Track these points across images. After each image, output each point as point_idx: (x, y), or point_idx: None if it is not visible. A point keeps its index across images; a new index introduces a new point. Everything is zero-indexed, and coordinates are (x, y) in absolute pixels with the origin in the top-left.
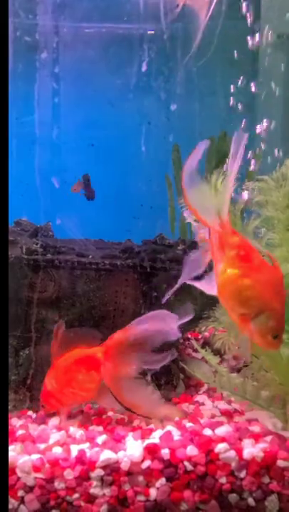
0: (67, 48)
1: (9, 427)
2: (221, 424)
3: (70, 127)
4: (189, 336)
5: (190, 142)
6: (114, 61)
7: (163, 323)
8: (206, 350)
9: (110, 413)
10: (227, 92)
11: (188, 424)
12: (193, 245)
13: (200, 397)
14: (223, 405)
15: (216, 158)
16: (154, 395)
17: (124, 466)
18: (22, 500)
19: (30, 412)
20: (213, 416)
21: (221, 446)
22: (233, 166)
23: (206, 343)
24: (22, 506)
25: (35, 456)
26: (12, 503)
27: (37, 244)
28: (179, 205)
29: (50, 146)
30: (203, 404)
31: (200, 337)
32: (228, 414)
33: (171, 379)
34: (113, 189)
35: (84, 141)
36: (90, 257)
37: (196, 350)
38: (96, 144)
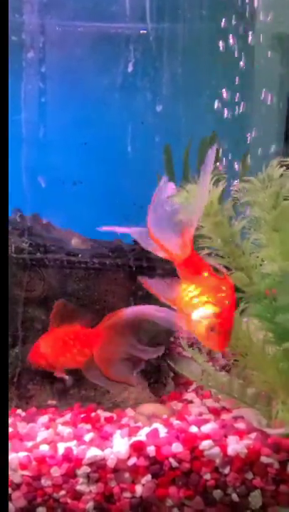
0: (56, 46)
1: None
2: (207, 421)
3: (61, 126)
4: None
5: (182, 142)
6: (104, 60)
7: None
8: (193, 349)
9: (99, 411)
10: (220, 93)
11: (176, 422)
12: None
13: (189, 395)
14: (211, 403)
15: None
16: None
17: (111, 463)
18: (9, 498)
19: (19, 411)
20: (200, 414)
21: (205, 443)
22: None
23: (195, 342)
24: (9, 504)
25: (22, 454)
26: None
27: (26, 243)
28: None
29: (41, 144)
30: (191, 402)
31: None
32: (216, 412)
33: (161, 377)
34: (104, 188)
35: (76, 139)
36: (80, 256)
37: (185, 348)
38: (88, 143)
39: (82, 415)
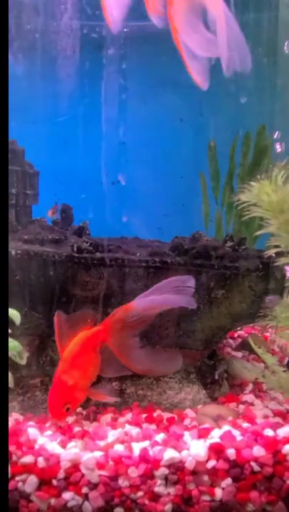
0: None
1: (63, 424)
2: (281, 424)
3: (101, 126)
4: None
5: (226, 138)
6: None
7: (177, 292)
8: (262, 349)
9: (158, 411)
10: (262, 84)
11: (245, 425)
12: (242, 241)
13: (247, 397)
14: (273, 405)
15: (253, 154)
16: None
17: (189, 465)
18: (86, 497)
19: (79, 409)
20: (266, 416)
21: (288, 447)
22: None
23: (243, 343)
24: (86, 503)
25: (98, 454)
26: (76, 499)
27: (87, 242)
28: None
29: (84, 145)
30: (252, 404)
31: (236, 336)
32: (282, 415)
33: (217, 378)
34: (144, 186)
35: (117, 139)
36: (138, 254)
37: (235, 349)
38: (128, 142)
39: (144, 415)
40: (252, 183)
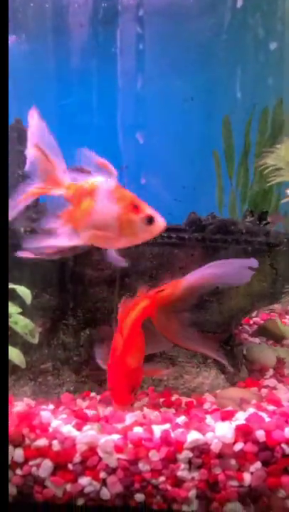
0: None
1: (76, 408)
2: None
3: (107, 112)
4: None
5: (242, 114)
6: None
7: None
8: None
9: (175, 395)
10: (283, 57)
11: (271, 407)
12: (263, 216)
13: (269, 382)
14: None
15: (271, 128)
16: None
17: (215, 447)
18: (104, 483)
19: (93, 394)
20: None
21: None
22: None
23: (261, 328)
24: (104, 489)
25: (116, 436)
26: (94, 485)
27: None
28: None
29: (90, 128)
30: (274, 388)
31: (251, 322)
32: None
33: (236, 363)
34: (154, 169)
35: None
36: None
37: (251, 335)
38: (136, 124)
39: (162, 399)
40: (278, 145)
